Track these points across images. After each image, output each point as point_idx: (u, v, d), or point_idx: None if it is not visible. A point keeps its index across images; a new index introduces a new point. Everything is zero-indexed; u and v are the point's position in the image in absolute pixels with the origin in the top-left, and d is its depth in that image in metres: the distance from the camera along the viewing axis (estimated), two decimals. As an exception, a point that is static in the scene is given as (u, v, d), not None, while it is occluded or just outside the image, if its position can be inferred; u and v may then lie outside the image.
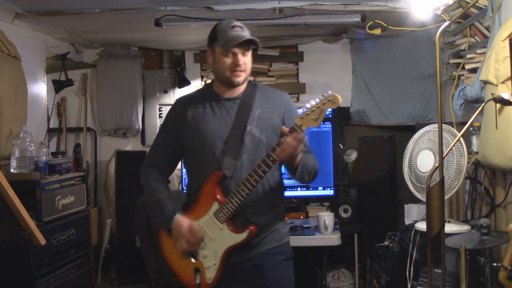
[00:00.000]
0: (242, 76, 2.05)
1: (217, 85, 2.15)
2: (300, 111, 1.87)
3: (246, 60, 2.04)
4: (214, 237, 2.03)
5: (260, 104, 2.10)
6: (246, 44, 2.02)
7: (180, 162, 2.30)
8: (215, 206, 2.01)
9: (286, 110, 2.13)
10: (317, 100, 1.83)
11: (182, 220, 2.04)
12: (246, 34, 2.02)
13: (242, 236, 1.99)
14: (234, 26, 2.02)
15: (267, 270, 2.04)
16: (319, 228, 3.42)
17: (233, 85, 2.07)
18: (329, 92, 1.82)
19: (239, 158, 2.02)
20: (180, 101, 2.21)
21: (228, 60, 2.02)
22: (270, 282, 2.04)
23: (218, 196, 2.01)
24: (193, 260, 2.07)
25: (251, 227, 1.99)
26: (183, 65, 4.54)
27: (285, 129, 1.89)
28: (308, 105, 1.84)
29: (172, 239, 2.11)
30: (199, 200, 2.07)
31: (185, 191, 3.30)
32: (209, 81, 4.54)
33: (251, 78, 4.19)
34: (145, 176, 2.19)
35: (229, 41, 1.99)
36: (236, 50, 2.01)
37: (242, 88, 2.12)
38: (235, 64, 2.01)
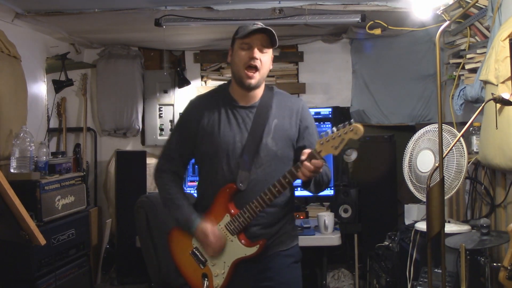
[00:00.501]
0: (256, 78, 1.99)
1: (233, 88, 2.09)
2: (322, 134, 1.83)
3: (263, 58, 1.99)
4: (224, 247, 2.03)
5: (276, 114, 2.06)
6: (263, 37, 1.97)
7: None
8: (227, 218, 2.01)
9: (302, 120, 2.10)
10: (340, 127, 1.79)
11: (208, 227, 2.02)
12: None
13: (252, 250, 1.99)
14: (255, 24, 1.98)
15: (276, 273, 2.04)
16: (319, 228, 3.42)
17: (245, 87, 2.02)
18: (352, 121, 1.78)
19: (253, 172, 2.00)
20: (194, 104, 2.15)
21: (244, 54, 1.97)
22: (279, 285, 2.04)
23: (231, 209, 2.00)
24: (201, 266, 2.08)
25: (261, 242, 1.99)
26: (183, 65, 4.54)
27: (305, 153, 1.85)
28: (329, 132, 1.80)
29: (182, 242, 2.13)
30: (211, 210, 2.06)
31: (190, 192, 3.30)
32: (209, 81, 4.57)
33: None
34: (160, 181, 2.16)
35: (247, 28, 1.95)
36: (253, 41, 1.96)
37: (258, 95, 2.08)
38: (250, 57, 1.96)
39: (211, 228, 2.01)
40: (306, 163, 1.83)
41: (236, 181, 1.99)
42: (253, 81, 1.99)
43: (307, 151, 1.87)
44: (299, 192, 3.81)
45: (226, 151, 2.01)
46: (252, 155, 1.99)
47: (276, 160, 2.02)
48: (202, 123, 2.06)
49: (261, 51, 1.98)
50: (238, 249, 2.00)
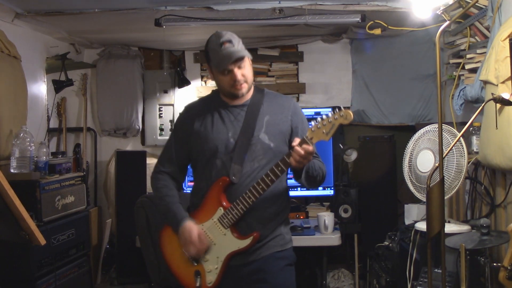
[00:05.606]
0: (244, 88, 2.05)
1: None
2: (312, 123, 1.87)
3: (244, 71, 2.03)
4: (217, 241, 2.04)
5: (268, 111, 2.10)
6: (238, 59, 2.00)
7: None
8: (220, 212, 2.02)
9: (293, 116, 2.13)
10: (330, 114, 1.84)
11: (192, 227, 2.04)
12: (235, 48, 1.99)
13: (246, 242, 2.00)
14: (222, 43, 1.98)
15: (270, 274, 2.04)
16: (319, 228, 3.42)
17: (237, 97, 2.08)
18: (342, 108, 1.85)
19: (246, 165, 2.02)
20: (189, 108, 2.21)
21: (226, 79, 2.02)
22: (272, 287, 2.04)
23: (224, 202, 2.02)
24: (194, 263, 2.08)
25: (255, 234, 2.00)
26: (183, 65, 4.54)
27: (296, 140, 1.89)
28: (319, 119, 1.85)
29: (173, 241, 2.12)
30: (204, 204, 2.07)
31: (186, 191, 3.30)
32: (209, 81, 4.57)
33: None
34: (155, 182, 2.19)
35: (220, 62, 1.98)
36: (230, 67, 1.99)
37: (249, 95, 2.13)
38: (234, 80, 2.01)
39: (197, 228, 2.04)
40: (297, 148, 1.86)
41: (229, 174, 2.01)
42: (244, 91, 2.06)
43: (298, 138, 1.91)
44: (299, 192, 3.83)
45: (219, 147, 2.05)
46: (245, 148, 2.03)
47: (270, 153, 2.05)
48: (196, 125, 2.11)
49: (239, 68, 2.02)
50: (231, 242, 2.01)
